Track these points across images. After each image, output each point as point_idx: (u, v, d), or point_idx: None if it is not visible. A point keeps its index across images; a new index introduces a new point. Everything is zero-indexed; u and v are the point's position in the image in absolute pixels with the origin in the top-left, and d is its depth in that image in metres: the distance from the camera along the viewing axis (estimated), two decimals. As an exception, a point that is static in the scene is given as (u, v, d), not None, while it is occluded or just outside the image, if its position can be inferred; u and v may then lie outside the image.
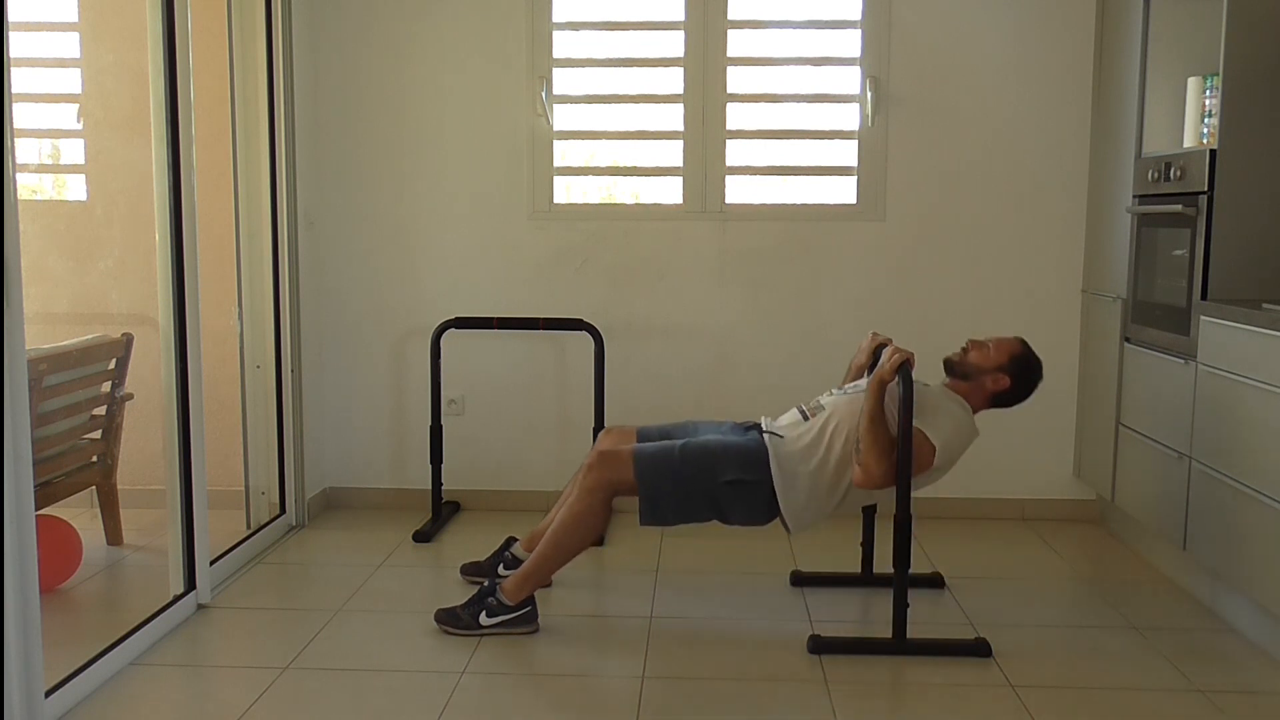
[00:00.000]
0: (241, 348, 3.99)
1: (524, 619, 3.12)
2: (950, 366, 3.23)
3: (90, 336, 3.67)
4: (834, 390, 3.27)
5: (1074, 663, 2.99)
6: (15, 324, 2.35)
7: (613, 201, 4.44)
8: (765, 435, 3.16)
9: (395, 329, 4.41)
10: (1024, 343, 3.22)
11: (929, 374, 3.21)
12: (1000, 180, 4.24)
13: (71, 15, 4.21)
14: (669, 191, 4.36)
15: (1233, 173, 3.30)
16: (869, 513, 3.45)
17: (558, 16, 4.26)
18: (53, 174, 4.30)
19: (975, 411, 3.19)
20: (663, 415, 3.73)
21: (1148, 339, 3.69)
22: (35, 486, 2.43)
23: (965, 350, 3.23)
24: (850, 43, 4.24)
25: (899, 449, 2.95)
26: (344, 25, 4.28)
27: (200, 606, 3.30)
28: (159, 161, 3.16)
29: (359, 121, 4.32)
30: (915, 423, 2.96)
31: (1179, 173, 3.47)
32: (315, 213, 4.26)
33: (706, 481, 3.07)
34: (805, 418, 3.18)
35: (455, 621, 3.12)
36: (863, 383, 3.15)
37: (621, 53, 4.30)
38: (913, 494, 2.99)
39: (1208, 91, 3.54)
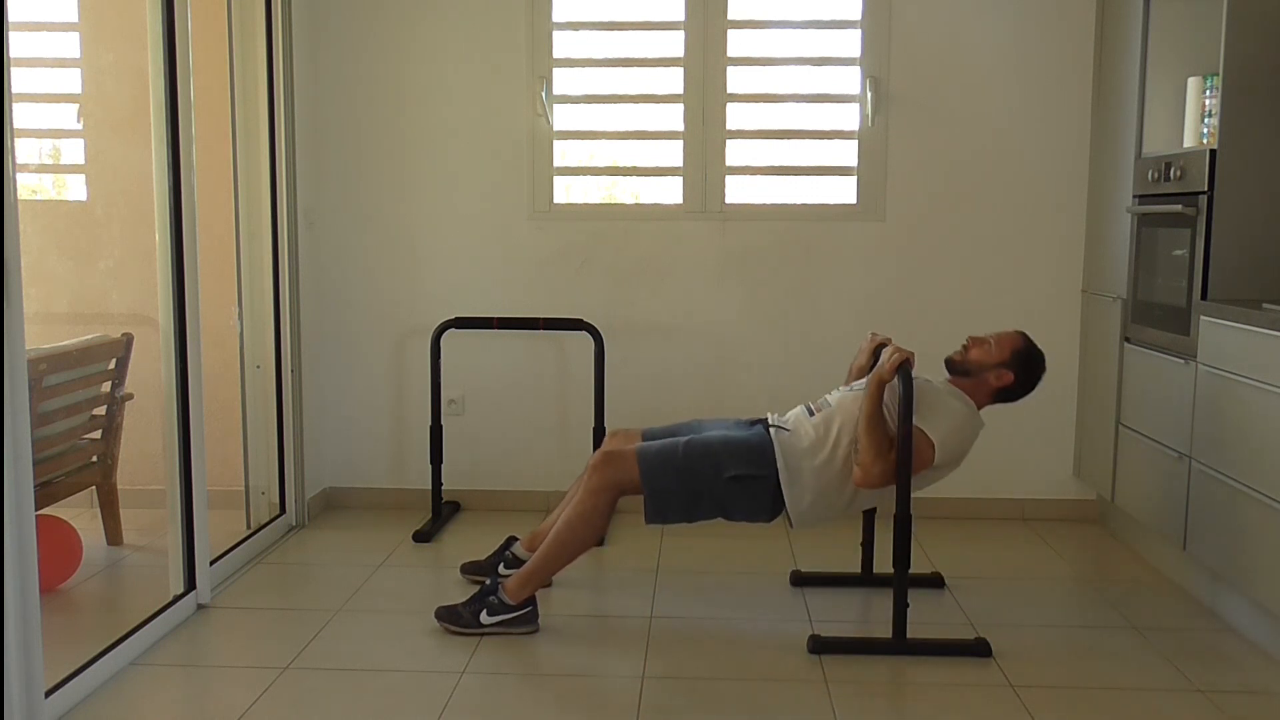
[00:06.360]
0: (241, 348, 3.99)
1: (525, 619, 3.12)
2: (952, 365, 3.22)
3: (90, 336, 3.67)
4: (840, 389, 3.26)
5: (1074, 663, 2.99)
6: (15, 324, 2.35)
7: (613, 201, 4.45)
8: (771, 429, 3.15)
9: (395, 329, 4.41)
10: (1025, 336, 3.22)
11: (929, 373, 3.21)
12: (1000, 180, 4.24)
13: (71, 15, 4.21)
14: (669, 191, 4.36)
15: (1233, 173, 3.30)
16: (869, 513, 3.44)
17: (558, 16, 4.26)
18: (53, 174, 4.30)
19: (980, 408, 3.18)
20: (663, 415, 3.72)
21: (1148, 339, 3.69)
22: (35, 486, 2.43)
23: (966, 348, 3.22)
24: (850, 43, 4.24)
25: (898, 448, 2.95)
26: (344, 25, 4.28)
27: (200, 606, 3.30)
28: (159, 161, 3.16)
29: (359, 121, 4.32)
30: (914, 421, 2.96)
31: (1179, 173, 3.47)
32: (315, 213, 4.26)
33: (711, 478, 3.06)
34: (811, 413, 3.18)
35: (456, 619, 3.12)
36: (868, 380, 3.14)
37: (621, 53, 4.30)
38: (919, 491, 3.00)
39: (1208, 91, 3.54)
